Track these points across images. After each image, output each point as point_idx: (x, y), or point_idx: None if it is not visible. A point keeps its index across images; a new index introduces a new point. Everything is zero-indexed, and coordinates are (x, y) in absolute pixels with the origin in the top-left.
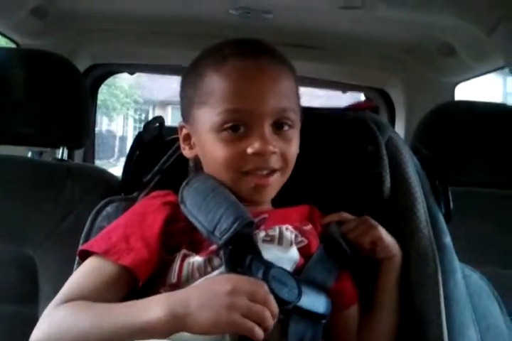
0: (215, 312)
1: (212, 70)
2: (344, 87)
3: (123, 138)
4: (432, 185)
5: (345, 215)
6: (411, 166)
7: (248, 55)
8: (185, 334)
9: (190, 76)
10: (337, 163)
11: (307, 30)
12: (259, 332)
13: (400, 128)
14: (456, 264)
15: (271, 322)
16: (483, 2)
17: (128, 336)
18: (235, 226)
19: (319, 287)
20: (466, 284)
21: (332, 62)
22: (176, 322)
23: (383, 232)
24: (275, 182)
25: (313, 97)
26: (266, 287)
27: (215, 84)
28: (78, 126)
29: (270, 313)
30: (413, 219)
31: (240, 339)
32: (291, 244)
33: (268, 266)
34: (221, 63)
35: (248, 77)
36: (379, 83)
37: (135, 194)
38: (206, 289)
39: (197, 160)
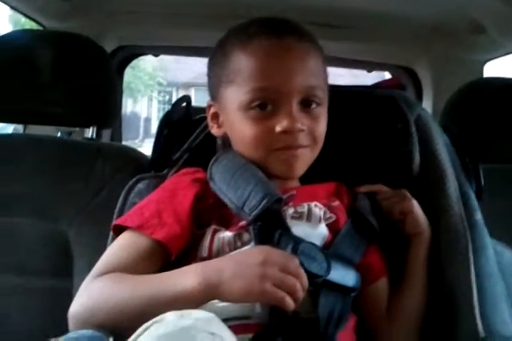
0: (248, 281)
1: (238, 49)
2: (370, 66)
3: (147, 120)
4: (462, 163)
5: (383, 187)
6: (441, 143)
7: (274, 33)
8: (216, 302)
9: (217, 55)
10: (366, 140)
11: (333, 9)
12: (290, 302)
13: (427, 107)
14: (488, 241)
15: (301, 293)
16: None
17: (164, 304)
18: (264, 202)
19: (348, 261)
20: (498, 260)
21: (358, 41)
22: (210, 291)
23: (416, 206)
24: (304, 157)
25: (336, 76)
26: (297, 260)
27: (242, 62)
28: (106, 106)
29: (302, 284)
30: (444, 196)
31: (271, 308)
32: (319, 221)
33: (297, 241)
34: (247, 42)
35: (274, 56)
36: (406, 61)
37: (165, 171)
38: (239, 259)
39: (225, 138)
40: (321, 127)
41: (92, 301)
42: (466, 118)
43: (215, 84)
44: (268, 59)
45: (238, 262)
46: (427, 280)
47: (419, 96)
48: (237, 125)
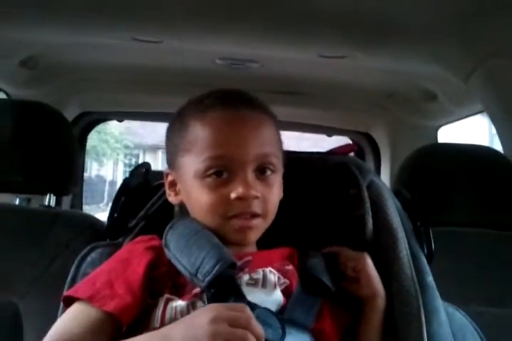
0: None
1: (195, 120)
2: (330, 131)
3: (113, 183)
4: (413, 227)
5: (345, 249)
6: (392, 208)
7: (229, 105)
8: None
9: (175, 125)
10: (320, 206)
11: (293, 78)
12: None
13: (385, 170)
14: (439, 303)
15: None
16: (458, 51)
17: None
18: (217, 268)
19: (302, 325)
20: (450, 323)
21: (317, 107)
22: None
23: (370, 266)
24: (258, 226)
25: (301, 140)
26: (248, 310)
27: (199, 133)
28: (66, 173)
29: (255, 335)
30: (395, 260)
31: None
32: (274, 287)
33: (252, 307)
34: (204, 113)
35: (230, 126)
36: (363, 127)
37: (120, 239)
38: (188, 321)
39: (182, 205)
40: (275, 194)
41: None
42: (418, 182)
43: (172, 153)
44: (223, 129)
45: (187, 324)
46: None
47: (378, 160)
48: (193, 193)
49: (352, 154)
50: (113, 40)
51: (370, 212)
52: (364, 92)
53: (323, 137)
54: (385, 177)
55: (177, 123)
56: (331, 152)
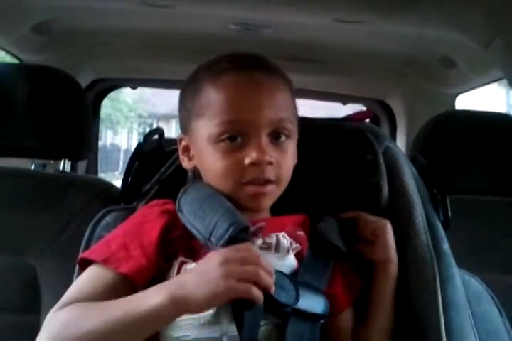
0: (212, 284)
1: (208, 84)
2: (345, 99)
3: (127, 152)
4: (430, 193)
5: (364, 213)
6: (408, 175)
7: (243, 68)
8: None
9: (188, 89)
10: (335, 172)
11: (307, 44)
12: (256, 291)
13: (401, 139)
14: (455, 270)
15: (267, 279)
16: (479, 17)
17: (134, 325)
18: (229, 231)
19: (315, 288)
20: (466, 290)
21: (332, 74)
22: (178, 304)
23: (389, 232)
24: (272, 192)
25: (317, 108)
26: (254, 249)
27: (212, 97)
28: (79, 139)
29: (266, 272)
30: (411, 226)
31: (240, 303)
32: (288, 251)
33: None
34: (217, 77)
35: (243, 90)
36: (380, 95)
37: (134, 204)
38: (199, 267)
39: (196, 170)
40: (289, 161)
41: (57, 332)
42: (435, 149)
43: (185, 118)
44: (237, 93)
45: (199, 270)
46: (393, 311)
47: (393, 129)
48: (207, 158)
49: (367, 121)
50: (125, 5)
51: (385, 178)
52: (381, 59)
53: (338, 106)
54: (401, 145)
55: (190, 87)
56: (347, 118)
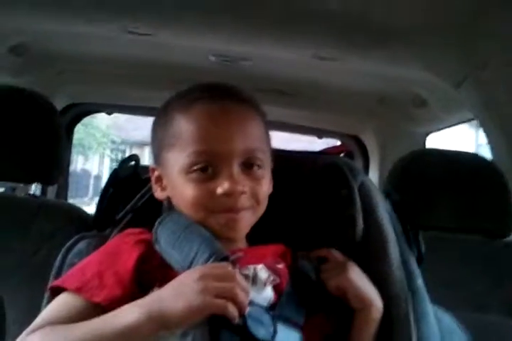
0: (188, 298)
1: (180, 113)
2: (320, 133)
3: (98, 178)
4: (403, 229)
5: (334, 253)
6: (382, 210)
7: (215, 98)
8: None
9: (160, 119)
10: (311, 205)
11: (285, 78)
12: (232, 309)
13: (374, 174)
14: (429, 306)
15: (243, 297)
16: (451, 57)
17: None
18: (210, 261)
19: (293, 323)
20: (439, 326)
21: (309, 108)
22: (154, 320)
23: (355, 280)
24: (246, 219)
25: (292, 141)
26: (231, 267)
27: (183, 126)
28: (51, 162)
29: (241, 289)
30: (386, 261)
31: (216, 321)
32: (265, 284)
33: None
34: (188, 106)
35: (215, 120)
36: (353, 130)
37: (107, 231)
38: (176, 282)
39: (170, 200)
40: (264, 188)
41: None
42: (407, 185)
43: (157, 148)
44: (208, 123)
45: (176, 285)
46: None
47: (366, 164)
48: (178, 188)
49: (342, 155)
50: (104, 31)
51: (360, 213)
52: (355, 96)
53: (313, 139)
54: (374, 180)
55: (162, 117)
56: (323, 152)
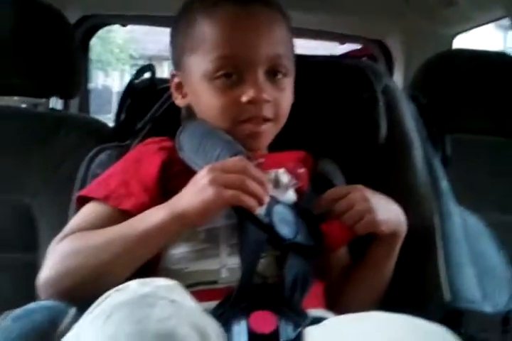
0: (201, 191)
1: (203, 16)
2: (342, 38)
3: (119, 94)
4: (429, 132)
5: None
6: (407, 113)
7: (240, 0)
8: (183, 268)
9: (181, 23)
10: (333, 109)
11: None
12: (245, 197)
13: (398, 79)
14: (454, 207)
15: (255, 186)
16: None
17: (138, 242)
18: None
19: (314, 223)
20: (465, 227)
21: (330, 12)
22: (177, 217)
23: (382, 215)
24: (268, 131)
25: (313, 50)
26: (245, 161)
27: (207, 30)
28: (67, 76)
29: (255, 178)
30: (410, 164)
31: (239, 212)
32: (287, 188)
33: (272, 201)
34: (212, 9)
35: (240, 23)
36: (377, 34)
37: (128, 142)
38: (192, 181)
39: (190, 108)
40: (287, 98)
41: (60, 260)
42: (434, 88)
43: (178, 53)
44: (233, 27)
45: (191, 183)
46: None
47: (390, 69)
48: (202, 95)
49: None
50: None
51: (384, 116)
52: None
53: (335, 47)
54: (398, 85)
55: (183, 19)
56: (345, 56)
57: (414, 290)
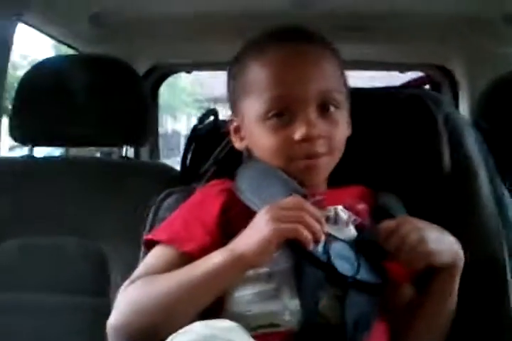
0: (259, 231)
1: (253, 60)
2: (402, 67)
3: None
4: (494, 160)
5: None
6: (471, 142)
7: (286, 41)
8: (246, 311)
9: (234, 68)
10: (394, 142)
11: (357, 12)
12: (303, 230)
13: (464, 105)
14: None
15: (314, 223)
16: None
17: (199, 285)
18: None
19: (375, 259)
20: None
21: (389, 41)
22: (237, 259)
23: (435, 248)
24: (324, 164)
25: (373, 81)
26: (300, 198)
27: (257, 73)
28: (138, 125)
29: (312, 216)
30: (477, 196)
31: (294, 247)
32: (347, 224)
33: (329, 239)
34: (261, 52)
35: (288, 63)
36: (439, 59)
37: (194, 185)
38: (251, 223)
39: (249, 150)
40: (341, 132)
41: (128, 305)
42: (498, 113)
43: (233, 98)
44: (281, 67)
45: (251, 224)
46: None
47: (456, 95)
48: (256, 136)
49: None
50: None
51: (447, 145)
52: (439, 20)
53: (396, 77)
54: (465, 112)
55: (235, 66)
56: (404, 86)
57: (483, 329)
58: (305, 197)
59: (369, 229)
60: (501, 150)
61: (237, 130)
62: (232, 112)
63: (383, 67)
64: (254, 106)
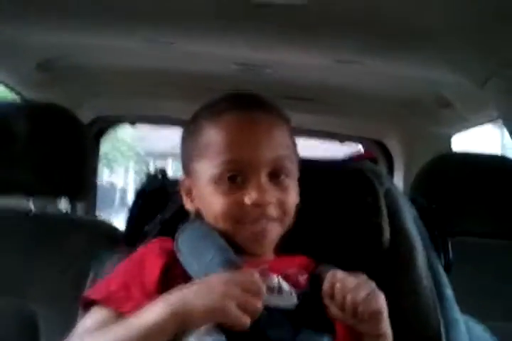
0: (211, 299)
1: (209, 124)
2: (343, 138)
3: (123, 190)
4: (430, 236)
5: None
6: (409, 217)
7: (242, 108)
8: None
9: (189, 130)
10: (336, 213)
11: (307, 84)
12: (247, 321)
13: (398, 180)
14: (459, 316)
15: (260, 310)
16: (474, 56)
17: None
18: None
19: (317, 327)
20: (469, 336)
21: (330, 114)
22: (179, 317)
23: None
24: (273, 231)
25: (317, 150)
26: (258, 277)
27: (212, 137)
28: (80, 176)
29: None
30: (414, 270)
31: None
32: (291, 294)
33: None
34: (217, 117)
35: (242, 129)
36: (377, 135)
37: (137, 245)
38: (203, 283)
39: (198, 212)
40: (291, 198)
41: None
42: (434, 190)
43: (187, 159)
44: (236, 132)
45: (201, 285)
46: None
47: (391, 169)
48: (207, 198)
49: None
50: (127, 42)
51: (386, 220)
52: (378, 99)
53: (338, 147)
54: (399, 185)
55: (191, 127)
56: (348, 159)
57: None
58: (238, 268)
59: (308, 298)
60: (436, 227)
61: (189, 191)
62: (185, 172)
63: (325, 136)
64: (208, 168)
